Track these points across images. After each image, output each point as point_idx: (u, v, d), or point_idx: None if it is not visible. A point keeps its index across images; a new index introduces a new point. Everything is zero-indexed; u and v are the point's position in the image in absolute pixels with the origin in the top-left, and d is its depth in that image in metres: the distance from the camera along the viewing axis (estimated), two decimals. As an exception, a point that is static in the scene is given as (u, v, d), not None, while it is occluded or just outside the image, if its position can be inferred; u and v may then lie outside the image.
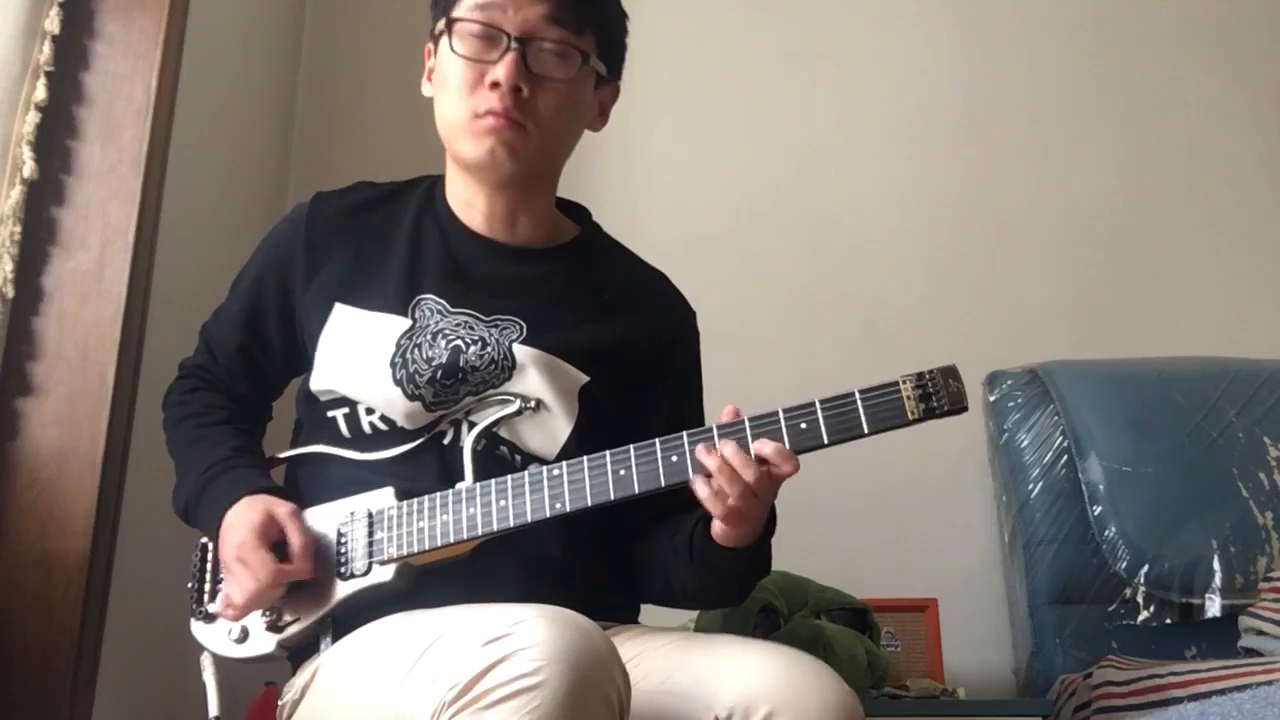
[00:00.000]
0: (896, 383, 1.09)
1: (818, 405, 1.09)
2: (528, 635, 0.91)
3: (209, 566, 1.27)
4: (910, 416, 1.08)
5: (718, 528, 1.12)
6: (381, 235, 1.32)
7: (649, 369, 1.32)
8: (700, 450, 1.09)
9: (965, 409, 1.08)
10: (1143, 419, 2.17)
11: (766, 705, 1.00)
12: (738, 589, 1.26)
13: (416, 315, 1.27)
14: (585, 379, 1.26)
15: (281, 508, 1.19)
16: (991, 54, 2.63)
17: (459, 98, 1.24)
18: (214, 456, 1.27)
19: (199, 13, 1.80)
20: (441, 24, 1.26)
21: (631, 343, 1.31)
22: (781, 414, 1.10)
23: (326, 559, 1.21)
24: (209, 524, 1.23)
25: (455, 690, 0.90)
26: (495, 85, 1.21)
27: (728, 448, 1.08)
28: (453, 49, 1.23)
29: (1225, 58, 2.65)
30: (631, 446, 1.13)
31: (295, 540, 1.18)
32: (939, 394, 1.08)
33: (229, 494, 1.22)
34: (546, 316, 1.28)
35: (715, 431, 1.11)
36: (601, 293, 1.34)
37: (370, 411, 1.25)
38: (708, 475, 1.09)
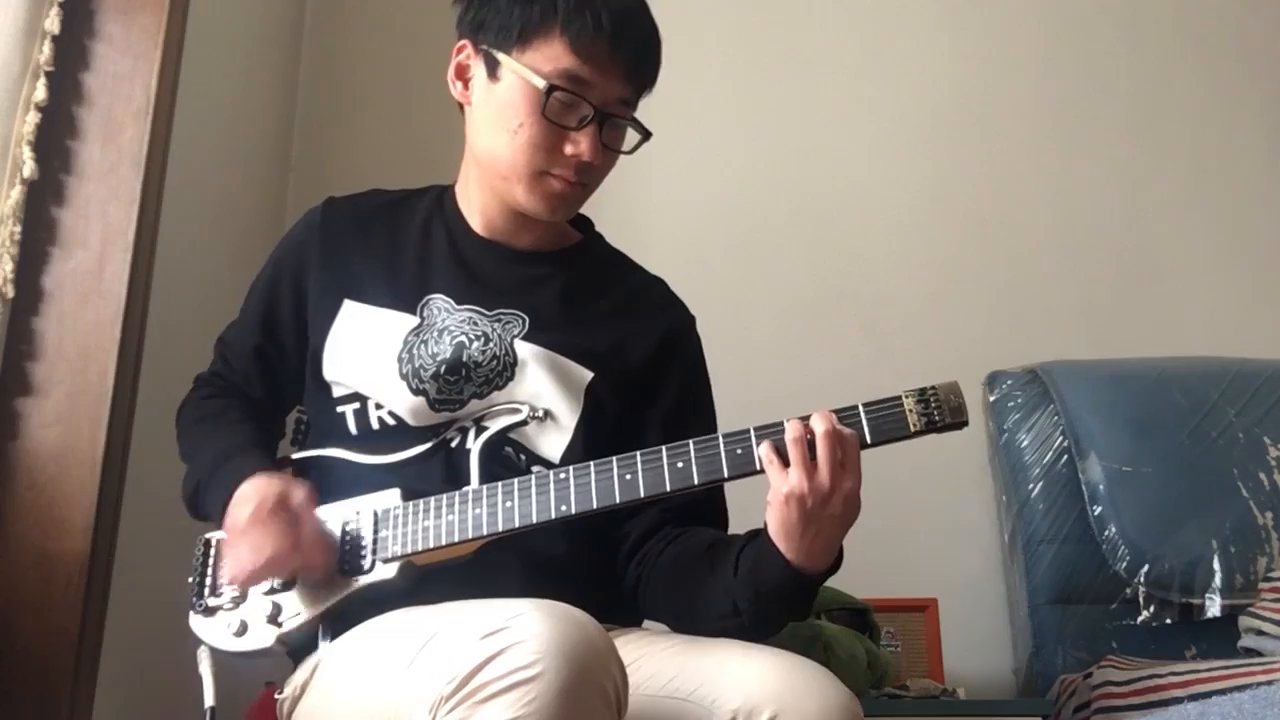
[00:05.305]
0: (899, 397, 1.12)
1: None
2: (524, 628, 0.91)
3: (210, 561, 1.27)
4: (911, 429, 1.11)
5: (778, 518, 1.09)
6: (393, 236, 1.36)
7: (650, 370, 1.34)
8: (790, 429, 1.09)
9: (966, 424, 1.11)
10: (1143, 419, 2.17)
11: (769, 711, 1.00)
12: (777, 623, 1.18)
13: (425, 314, 1.30)
14: (590, 375, 1.29)
15: (299, 492, 1.18)
16: (991, 55, 2.63)
17: (530, 148, 1.25)
18: (229, 444, 1.26)
19: (199, 13, 1.80)
20: (520, 68, 1.23)
21: (631, 344, 1.33)
22: (787, 426, 1.11)
23: (330, 555, 1.21)
24: (217, 500, 1.21)
25: (452, 684, 0.91)
26: (573, 156, 1.24)
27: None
28: (544, 113, 1.23)
29: (1226, 59, 2.64)
30: (638, 453, 1.14)
31: (306, 528, 1.17)
32: (940, 409, 1.11)
33: (243, 471, 1.21)
34: (548, 314, 1.31)
35: (721, 441, 1.12)
36: (601, 297, 1.36)
37: (379, 407, 1.27)
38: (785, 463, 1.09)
